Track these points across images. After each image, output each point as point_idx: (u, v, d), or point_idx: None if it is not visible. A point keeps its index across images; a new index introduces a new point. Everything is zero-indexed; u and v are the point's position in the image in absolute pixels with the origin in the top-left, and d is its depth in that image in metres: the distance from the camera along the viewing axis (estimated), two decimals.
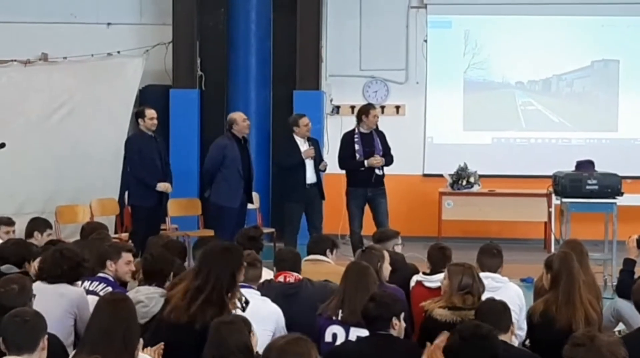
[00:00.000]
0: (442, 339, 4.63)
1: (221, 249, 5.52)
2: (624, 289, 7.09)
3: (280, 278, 6.18)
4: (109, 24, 14.05)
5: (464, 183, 13.28)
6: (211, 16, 13.51)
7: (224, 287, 5.28)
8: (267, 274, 6.38)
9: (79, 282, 6.03)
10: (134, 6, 14.13)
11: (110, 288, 5.98)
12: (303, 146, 11.18)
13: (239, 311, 5.26)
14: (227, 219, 10.63)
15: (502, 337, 5.00)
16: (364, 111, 11.39)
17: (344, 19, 14.28)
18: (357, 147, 11.23)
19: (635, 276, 7.17)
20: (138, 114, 10.96)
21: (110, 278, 6.16)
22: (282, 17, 13.39)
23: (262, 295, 5.78)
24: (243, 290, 5.56)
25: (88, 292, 5.94)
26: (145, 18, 14.06)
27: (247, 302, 5.36)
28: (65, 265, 5.79)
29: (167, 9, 13.48)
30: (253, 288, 5.76)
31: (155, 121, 10.86)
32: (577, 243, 7.00)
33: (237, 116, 11.10)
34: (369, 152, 11.22)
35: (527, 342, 6.10)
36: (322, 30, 13.73)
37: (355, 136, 11.30)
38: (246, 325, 4.59)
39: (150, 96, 13.15)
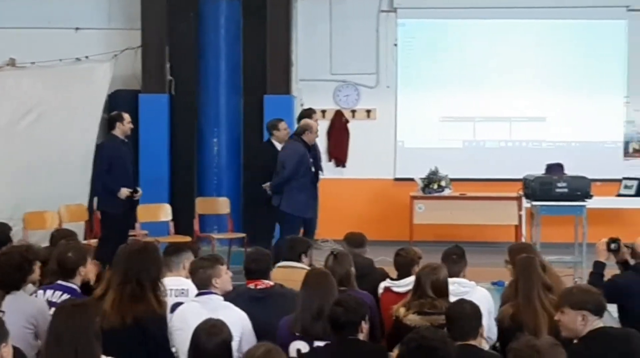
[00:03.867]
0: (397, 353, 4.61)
1: (137, 248, 5.68)
2: None
3: (251, 286, 6.13)
4: (77, 28, 13.95)
5: (435, 186, 13.30)
6: (181, 21, 13.43)
7: (146, 284, 5.43)
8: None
9: (41, 292, 5.95)
10: (103, 11, 14.02)
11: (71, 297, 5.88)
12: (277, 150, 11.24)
13: (169, 306, 5.44)
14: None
15: (473, 341, 5.00)
16: (307, 114, 11.62)
17: (314, 23, 14.28)
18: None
19: (605, 279, 7.17)
20: (116, 119, 10.89)
21: (74, 287, 6.06)
22: (252, 21, 13.33)
23: (230, 300, 5.73)
24: (207, 296, 5.55)
25: (50, 303, 5.83)
26: (113, 23, 13.96)
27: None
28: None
29: (136, 14, 13.39)
30: (216, 294, 5.71)
31: (132, 126, 10.89)
32: (528, 246, 7.03)
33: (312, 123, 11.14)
34: (314, 156, 11.29)
35: (497, 345, 6.08)
36: (293, 34, 13.69)
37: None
38: (226, 328, 4.62)
39: (120, 101, 13.03)
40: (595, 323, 5.13)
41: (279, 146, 11.28)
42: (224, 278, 5.83)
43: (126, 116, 10.86)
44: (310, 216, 11.00)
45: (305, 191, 10.81)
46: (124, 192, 10.59)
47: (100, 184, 10.81)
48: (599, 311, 5.17)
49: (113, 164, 10.67)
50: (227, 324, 4.71)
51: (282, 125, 11.41)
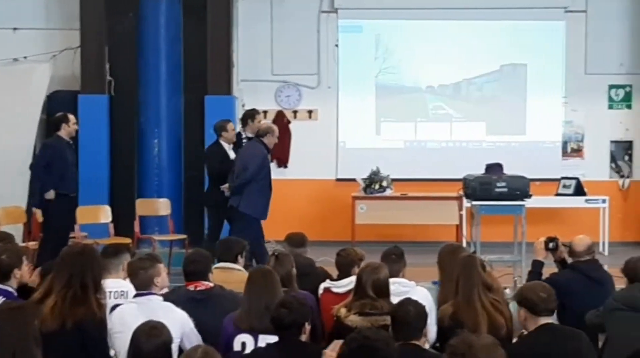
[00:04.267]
0: (332, 347, 4.60)
1: (77, 251, 5.63)
2: None
3: (191, 287, 6.08)
4: (15, 28, 13.74)
5: (377, 187, 13.35)
6: (120, 21, 13.32)
7: (89, 286, 5.40)
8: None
9: None
10: (40, 10, 13.84)
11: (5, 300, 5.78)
12: (230, 151, 11.25)
13: (109, 309, 5.43)
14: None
15: (417, 342, 5.00)
16: (250, 116, 11.53)
17: (255, 23, 14.25)
18: (232, 155, 11.30)
19: (544, 277, 7.25)
20: (61, 120, 10.80)
21: (10, 290, 5.96)
22: (192, 21, 13.27)
23: (170, 301, 5.69)
24: (146, 297, 5.53)
25: None
26: (52, 22, 13.78)
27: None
28: None
29: (74, 14, 13.23)
30: (155, 295, 5.67)
31: (77, 127, 10.88)
32: (459, 247, 7.08)
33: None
34: None
35: (437, 345, 6.10)
36: (233, 35, 13.66)
37: (244, 140, 11.33)
38: (166, 330, 4.59)
39: (58, 102, 12.89)
40: (542, 320, 5.18)
41: (227, 147, 11.25)
42: (164, 276, 5.81)
43: (71, 117, 10.84)
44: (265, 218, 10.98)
45: (265, 193, 10.78)
46: (51, 194, 10.52)
47: (32, 181, 10.75)
48: (534, 311, 5.23)
49: (53, 165, 10.59)
50: (167, 325, 4.68)
51: (230, 126, 11.36)
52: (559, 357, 5.09)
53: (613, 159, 14.55)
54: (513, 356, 4.73)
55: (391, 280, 6.17)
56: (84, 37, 13.18)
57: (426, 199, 13.40)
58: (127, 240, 11.21)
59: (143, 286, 5.69)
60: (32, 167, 11.15)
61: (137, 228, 12.10)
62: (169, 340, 4.59)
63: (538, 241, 7.48)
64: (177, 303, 5.71)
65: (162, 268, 5.82)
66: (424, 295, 6.36)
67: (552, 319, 6.52)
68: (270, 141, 10.86)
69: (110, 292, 5.93)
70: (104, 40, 13.19)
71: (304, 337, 4.97)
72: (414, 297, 5.53)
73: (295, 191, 13.88)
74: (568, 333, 5.28)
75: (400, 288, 6.25)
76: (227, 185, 10.83)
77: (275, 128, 11.11)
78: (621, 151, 14.58)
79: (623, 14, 14.38)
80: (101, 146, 13.05)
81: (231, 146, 11.29)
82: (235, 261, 7.00)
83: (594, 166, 14.43)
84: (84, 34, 13.18)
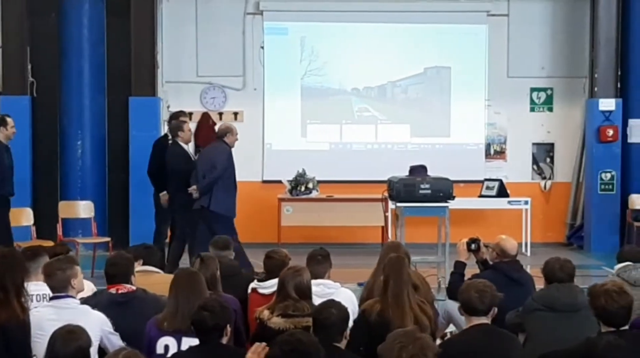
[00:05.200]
0: (253, 350, 4.59)
1: (0, 254, 5.54)
2: (453, 291, 7.23)
3: (113, 290, 6.02)
4: None
5: (303, 188, 13.38)
6: (42, 21, 13.15)
7: (10, 290, 5.31)
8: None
9: None
10: None
11: None
12: (189, 151, 11.37)
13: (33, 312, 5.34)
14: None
15: (338, 344, 5.01)
16: (176, 118, 11.50)
17: (179, 24, 14.19)
18: None
19: (466, 278, 7.32)
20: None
21: None
22: (116, 22, 13.17)
23: (91, 305, 5.63)
24: (63, 300, 5.48)
25: None
26: None
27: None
28: None
29: None
30: (72, 297, 5.60)
31: (15, 130, 10.81)
32: (397, 245, 7.12)
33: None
34: None
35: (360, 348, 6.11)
36: (158, 36, 13.58)
37: (170, 141, 11.30)
38: (84, 334, 4.53)
39: None
40: (475, 319, 5.22)
41: (186, 147, 11.22)
42: (80, 279, 5.74)
43: (10, 121, 10.78)
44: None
45: (232, 191, 10.85)
46: None
47: None
48: (467, 310, 5.27)
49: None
50: (86, 328, 4.62)
51: (187, 126, 11.27)
52: (488, 355, 5.11)
53: (535, 161, 14.77)
54: (442, 354, 4.78)
55: (316, 281, 6.19)
56: (5, 37, 13.02)
57: (352, 201, 13.46)
58: (50, 243, 11.04)
59: (60, 288, 5.60)
60: None
61: (59, 231, 11.93)
62: (86, 344, 4.53)
63: (460, 243, 7.56)
64: (98, 306, 5.65)
65: (79, 269, 5.74)
66: (348, 297, 6.40)
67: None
68: (231, 139, 10.90)
69: (32, 295, 5.84)
70: (25, 40, 13.02)
71: (225, 340, 4.95)
72: (338, 298, 5.54)
73: None
74: (498, 334, 5.29)
75: (326, 290, 6.28)
76: (194, 187, 10.71)
77: (234, 127, 11.12)
78: (543, 153, 14.82)
79: (544, 18, 14.62)
80: (23, 147, 12.80)
81: (187, 146, 11.25)
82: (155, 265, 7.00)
83: (517, 168, 14.65)
84: (5, 34, 13.01)
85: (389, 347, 4.19)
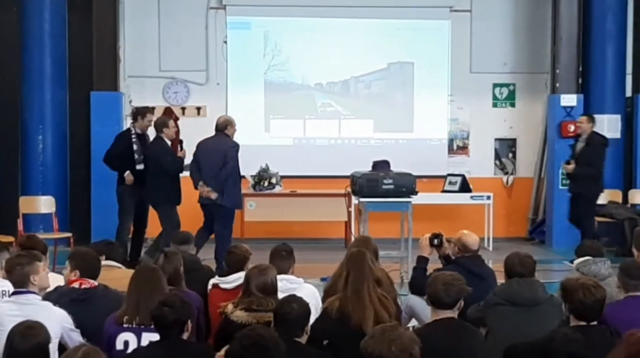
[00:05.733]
0: (227, 348, 4.59)
1: None
2: (416, 286, 7.28)
3: (75, 285, 5.98)
4: None
5: (266, 184, 13.36)
6: (3, 15, 13.04)
7: None
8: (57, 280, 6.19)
9: None
10: None
11: None
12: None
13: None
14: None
15: (298, 339, 5.01)
16: (140, 113, 11.46)
17: (141, 19, 14.11)
18: (135, 147, 11.21)
19: (429, 273, 7.35)
20: None
21: None
22: (78, 16, 13.08)
23: (52, 301, 5.59)
24: (24, 296, 5.43)
25: None
26: None
27: None
28: None
29: None
30: (34, 293, 5.55)
31: None
32: (366, 240, 7.13)
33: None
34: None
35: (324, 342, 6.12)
36: (120, 30, 13.52)
37: (133, 136, 11.25)
38: (43, 330, 4.50)
39: None
40: (441, 313, 5.22)
41: (169, 144, 11.22)
42: (42, 275, 5.68)
43: None
44: None
45: (239, 184, 11.10)
46: None
47: None
48: (433, 303, 5.27)
49: None
50: (46, 324, 4.59)
51: (171, 123, 11.31)
52: (450, 352, 5.09)
53: (497, 156, 14.86)
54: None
55: (279, 276, 6.19)
56: None
57: (315, 196, 13.45)
58: (11, 238, 10.96)
59: (19, 284, 5.56)
60: None
61: (20, 226, 11.83)
62: (45, 340, 4.50)
63: (423, 238, 7.58)
64: (60, 303, 5.62)
65: (40, 266, 5.69)
66: (311, 292, 6.41)
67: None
68: (231, 132, 10.98)
69: None
70: None
71: (186, 335, 4.94)
72: (301, 294, 5.54)
73: (184, 188, 13.73)
74: (463, 329, 5.28)
75: (288, 285, 6.29)
76: (206, 187, 10.74)
77: (233, 119, 11.20)
78: (505, 148, 14.91)
79: (506, 14, 14.70)
80: None
81: (170, 142, 11.20)
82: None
83: (479, 163, 14.72)
84: None
85: (376, 341, 4.17)
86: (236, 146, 10.88)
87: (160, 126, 11.18)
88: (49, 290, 5.91)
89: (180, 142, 11.41)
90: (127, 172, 11.07)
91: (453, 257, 7.32)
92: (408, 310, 7.09)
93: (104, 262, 6.70)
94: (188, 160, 11.13)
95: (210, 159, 10.79)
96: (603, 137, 12.38)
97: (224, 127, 10.96)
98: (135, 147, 11.17)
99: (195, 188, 10.90)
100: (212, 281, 6.72)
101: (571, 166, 12.18)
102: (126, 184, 11.14)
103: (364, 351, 4.17)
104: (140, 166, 11.15)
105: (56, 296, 5.76)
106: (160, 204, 11.06)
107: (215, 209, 10.77)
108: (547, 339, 4.80)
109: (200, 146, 11.00)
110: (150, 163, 11.01)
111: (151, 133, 11.36)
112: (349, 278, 5.88)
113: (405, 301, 7.21)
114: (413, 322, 7.35)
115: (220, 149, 10.81)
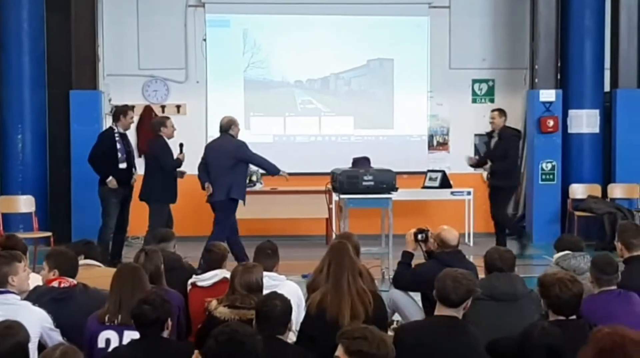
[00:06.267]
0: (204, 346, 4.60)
1: None
2: (399, 280, 7.31)
3: (55, 284, 5.97)
4: None
5: (247, 181, 13.30)
6: None
7: None
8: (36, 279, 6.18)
9: None
10: None
11: None
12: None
13: None
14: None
15: (281, 336, 5.02)
16: (121, 111, 11.49)
17: (120, 17, 14.07)
18: (118, 146, 11.26)
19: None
20: None
21: None
22: (56, 15, 13.04)
23: (31, 300, 5.57)
24: (3, 296, 5.43)
25: None
26: None
27: None
28: None
29: None
30: (13, 293, 5.54)
31: None
32: (349, 235, 7.14)
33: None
34: (129, 152, 11.44)
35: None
36: (98, 28, 13.46)
37: (116, 135, 11.29)
38: (22, 330, 4.48)
39: None
40: (444, 310, 5.17)
41: (169, 142, 11.39)
42: (22, 275, 5.66)
43: None
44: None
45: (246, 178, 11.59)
46: None
47: None
48: (439, 299, 5.18)
49: None
50: (25, 324, 4.58)
51: (170, 122, 11.46)
52: (445, 351, 5.05)
53: (477, 152, 14.87)
54: (395, 339, 4.81)
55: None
56: None
57: (296, 193, 13.45)
58: None
59: None
60: None
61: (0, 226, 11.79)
62: (24, 340, 4.49)
63: (409, 233, 7.59)
64: (39, 302, 5.61)
65: (20, 267, 5.66)
66: (293, 289, 6.43)
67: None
68: (235, 131, 11.20)
69: None
70: None
71: (166, 334, 4.94)
72: (283, 291, 5.55)
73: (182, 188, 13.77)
74: (462, 331, 5.18)
75: (271, 282, 6.30)
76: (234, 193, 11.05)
77: (235, 119, 11.37)
78: (485, 144, 14.94)
79: (485, 10, 14.74)
80: None
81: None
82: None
83: (459, 159, 14.70)
84: None
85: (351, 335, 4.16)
86: (243, 144, 11.10)
87: (158, 125, 11.39)
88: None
89: (181, 145, 11.52)
90: (110, 178, 11.06)
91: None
92: (391, 303, 7.12)
93: (83, 261, 6.69)
94: (188, 163, 11.43)
95: (219, 161, 11.01)
96: (516, 130, 12.79)
97: (228, 128, 11.15)
98: (118, 146, 11.21)
99: (203, 188, 11.16)
100: (190, 281, 6.72)
101: (482, 163, 12.70)
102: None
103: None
104: (123, 165, 11.22)
105: (35, 296, 5.75)
106: (152, 201, 11.20)
107: (219, 204, 11.08)
108: (525, 333, 4.82)
109: (208, 147, 11.31)
110: (149, 160, 11.31)
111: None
112: (330, 269, 5.89)
113: (388, 296, 7.23)
114: (396, 317, 7.39)
115: (227, 150, 11.01)
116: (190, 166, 12.65)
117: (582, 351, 3.73)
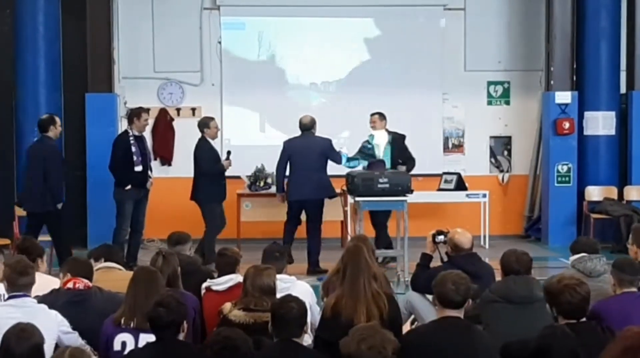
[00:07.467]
0: None
1: None
2: (417, 282, 7.29)
3: (70, 285, 5.99)
4: None
5: (262, 184, 13.34)
6: None
7: None
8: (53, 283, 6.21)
9: None
10: None
11: None
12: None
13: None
14: None
15: (297, 339, 5.02)
16: (135, 114, 11.55)
17: (136, 20, 14.10)
18: (133, 149, 11.32)
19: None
20: None
21: None
22: (72, 18, 13.08)
23: (48, 303, 5.60)
24: (20, 300, 5.45)
25: None
26: None
27: None
28: None
29: None
30: (29, 297, 5.56)
31: None
32: (364, 238, 7.13)
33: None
34: (144, 154, 11.49)
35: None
36: (114, 31, 13.50)
37: (130, 138, 11.35)
38: (37, 332, 4.52)
39: None
40: (448, 312, 5.18)
41: (212, 143, 11.85)
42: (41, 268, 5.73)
43: None
44: None
45: None
46: None
47: None
48: (442, 303, 5.20)
49: None
50: (41, 327, 4.60)
51: (213, 123, 11.92)
52: (453, 352, 5.05)
53: (493, 154, 14.86)
54: (404, 343, 4.80)
55: None
56: None
57: None
58: (6, 241, 11.01)
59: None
60: None
61: (16, 229, 11.81)
62: (40, 342, 4.52)
63: (429, 235, 7.59)
64: (54, 305, 5.63)
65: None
66: (305, 290, 6.44)
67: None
68: (315, 129, 11.74)
69: None
70: None
71: (182, 336, 4.95)
72: (295, 292, 5.56)
73: (180, 189, 13.69)
74: (469, 331, 5.20)
75: (282, 285, 6.30)
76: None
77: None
78: (500, 146, 14.91)
79: (500, 12, 14.70)
80: None
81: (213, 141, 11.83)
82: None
83: (474, 161, 14.72)
84: None
85: (349, 340, 4.21)
86: (331, 141, 11.65)
87: (201, 126, 11.83)
88: (44, 292, 5.93)
89: (228, 152, 11.94)
90: (129, 186, 11.17)
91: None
92: (408, 306, 7.11)
93: (103, 263, 6.72)
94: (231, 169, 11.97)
95: (309, 158, 11.40)
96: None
97: (311, 126, 11.55)
98: (133, 149, 11.24)
99: (281, 189, 11.72)
100: (204, 285, 6.72)
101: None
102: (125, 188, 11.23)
103: (341, 349, 4.21)
104: (138, 168, 11.27)
105: (51, 299, 5.77)
106: (203, 203, 11.61)
107: (307, 205, 11.45)
108: (544, 337, 4.81)
109: (292, 146, 11.66)
110: (195, 162, 11.74)
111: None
112: (346, 271, 5.89)
113: (406, 298, 7.22)
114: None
115: (317, 147, 11.43)
116: None
117: (608, 348, 3.74)
